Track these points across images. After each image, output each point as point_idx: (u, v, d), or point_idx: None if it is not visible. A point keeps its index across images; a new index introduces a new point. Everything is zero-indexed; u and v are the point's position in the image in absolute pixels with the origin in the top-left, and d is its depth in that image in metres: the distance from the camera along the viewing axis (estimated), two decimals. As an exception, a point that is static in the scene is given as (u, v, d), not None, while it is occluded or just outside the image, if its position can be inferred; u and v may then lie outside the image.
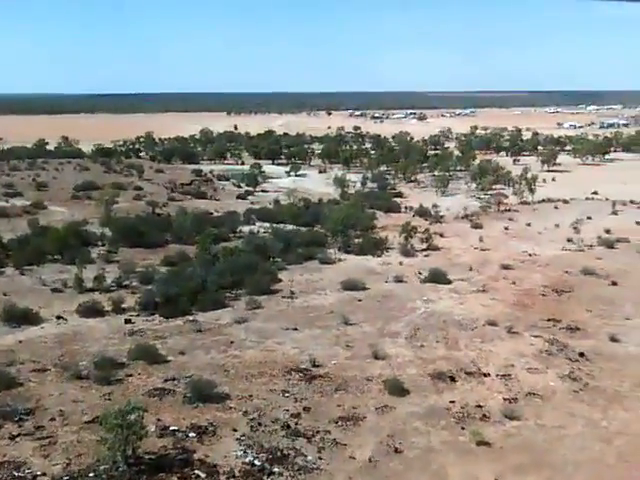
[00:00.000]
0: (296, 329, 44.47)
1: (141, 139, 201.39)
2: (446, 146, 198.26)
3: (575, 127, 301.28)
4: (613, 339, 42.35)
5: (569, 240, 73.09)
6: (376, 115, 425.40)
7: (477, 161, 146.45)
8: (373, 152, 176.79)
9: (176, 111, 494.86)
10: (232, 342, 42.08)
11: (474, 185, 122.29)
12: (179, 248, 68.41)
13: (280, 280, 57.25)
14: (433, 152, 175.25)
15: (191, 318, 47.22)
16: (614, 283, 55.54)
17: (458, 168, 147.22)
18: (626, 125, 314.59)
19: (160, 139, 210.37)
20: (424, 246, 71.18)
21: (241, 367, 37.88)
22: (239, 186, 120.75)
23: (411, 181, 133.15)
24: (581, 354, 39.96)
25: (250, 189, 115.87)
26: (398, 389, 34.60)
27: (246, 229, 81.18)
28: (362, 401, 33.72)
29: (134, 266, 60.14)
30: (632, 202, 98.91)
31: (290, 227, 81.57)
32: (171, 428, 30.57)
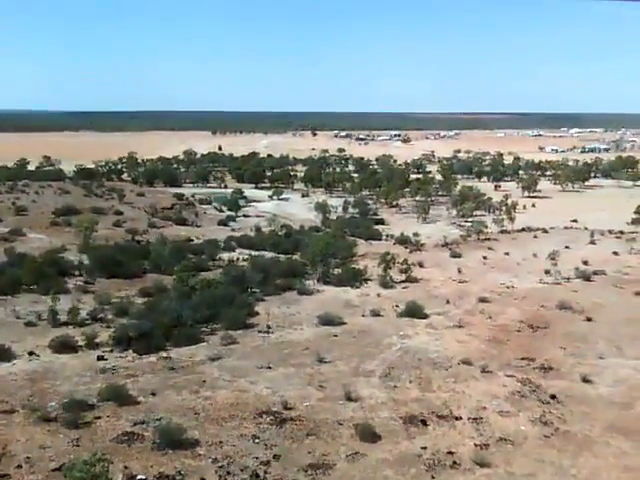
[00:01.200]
0: (270, 367, 44.18)
1: (123, 160, 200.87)
2: (428, 170, 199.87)
3: (557, 151, 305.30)
4: (585, 380, 42.47)
5: (547, 272, 73.54)
6: (361, 137, 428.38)
7: (458, 187, 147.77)
8: (356, 175, 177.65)
9: (162, 129, 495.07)
10: (204, 381, 41.69)
11: (455, 212, 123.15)
12: (157, 278, 68.16)
13: (257, 313, 57.04)
14: (415, 176, 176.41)
15: (165, 355, 46.82)
16: (589, 319, 55.85)
17: (440, 193, 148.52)
18: (607, 150, 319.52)
19: (143, 160, 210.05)
20: (403, 277, 71.30)
21: (212, 410, 37.51)
22: (221, 210, 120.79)
23: (393, 206, 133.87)
24: (553, 396, 40.01)
25: (232, 214, 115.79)
26: (369, 434, 34.39)
27: (226, 256, 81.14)
28: (333, 447, 33.49)
29: (110, 297, 59.77)
30: (610, 232, 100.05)
31: (270, 255, 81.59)
32: (138, 477, 30.15)
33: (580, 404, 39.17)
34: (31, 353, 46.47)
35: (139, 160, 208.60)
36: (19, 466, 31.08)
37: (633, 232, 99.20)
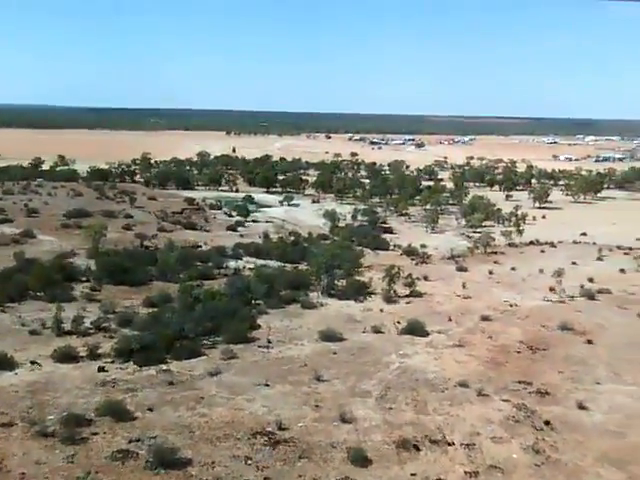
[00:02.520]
0: (267, 384, 44.58)
1: (137, 161, 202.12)
2: (440, 177, 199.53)
3: (571, 160, 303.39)
4: (581, 406, 42.47)
5: (551, 289, 73.42)
6: (374, 140, 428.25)
7: (469, 196, 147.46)
8: (367, 181, 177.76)
9: (177, 129, 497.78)
10: (202, 398, 42.16)
11: (464, 222, 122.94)
12: (163, 286, 68.83)
13: (259, 326, 57.49)
14: (427, 183, 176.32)
15: (165, 367, 47.35)
16: (589, 341, 55.70)
17: (451, 202, 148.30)
18: (622, 159, 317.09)
19: (156, 161, 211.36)
20: (407, 291, 71.42)
21: (207, 428, 37.96)
22: (231, 215, 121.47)
23: (402, 215, 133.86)
24: (547, 422, 40.08)
25: (241, 219, 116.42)
26: (361, 458, 34.65)
27: (233, 264, 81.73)
28: (324, 471, 33.81)
29: (115, 306, 60.45)
30: (619, 247, 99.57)
31: (277, 264, 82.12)
32: (129, 497, 30.69)
33: (574, 432, 39.23)
34: (33, 362, 47.19)
35: (152, 161, 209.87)
36: (14, 483, 31.70)
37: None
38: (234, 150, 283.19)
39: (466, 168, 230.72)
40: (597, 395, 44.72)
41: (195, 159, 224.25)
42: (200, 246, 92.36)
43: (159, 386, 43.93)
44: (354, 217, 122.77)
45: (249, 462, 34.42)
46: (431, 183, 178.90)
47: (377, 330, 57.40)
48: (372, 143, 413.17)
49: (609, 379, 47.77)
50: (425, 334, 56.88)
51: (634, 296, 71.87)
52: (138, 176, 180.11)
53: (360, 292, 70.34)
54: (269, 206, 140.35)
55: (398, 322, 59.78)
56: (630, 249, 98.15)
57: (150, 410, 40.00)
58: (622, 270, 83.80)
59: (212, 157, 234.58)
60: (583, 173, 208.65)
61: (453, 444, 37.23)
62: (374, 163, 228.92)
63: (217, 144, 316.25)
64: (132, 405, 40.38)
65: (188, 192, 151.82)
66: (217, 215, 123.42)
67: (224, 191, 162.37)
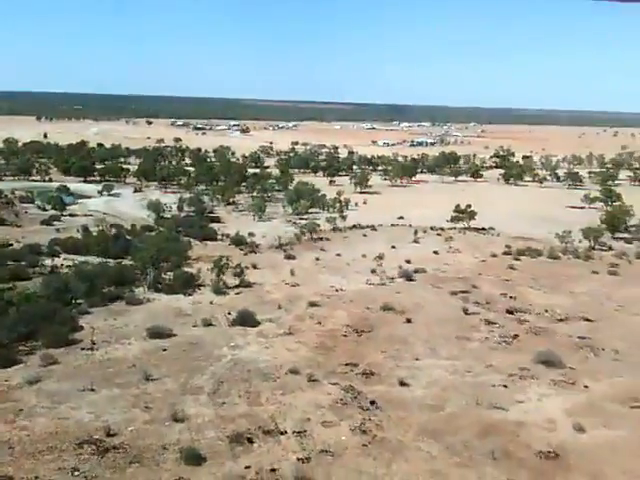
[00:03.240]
0: (93, 389, 42.55)
1: None
2: (266, 164, 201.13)
3: (388, 145, 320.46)
4: (402, 383, 45.32)
5: (373, 271, 77.32)
6: (199, 126, 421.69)
7: (295, 182, 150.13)
8: (193, 169, 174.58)
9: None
10: (21, 409, 39.31)
11: (291, 209, 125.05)
12: (-32, 290, 62.80)
13: (82, 328, 54.61)
14: (253, 170, 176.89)
15: (-24, 381, 43.50)
16: (409, 320, 59.50)
17: (277, 189, 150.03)
18: (433, 144, 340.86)
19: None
20: (236, 281, 71.45)
21: (29, 441, 35.48)
22: (44, 209, 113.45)
23: (229, 203, 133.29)
24: (372, 402, 42.30)
25: (56, 213, 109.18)
26: (195, 457, 34.29)
27: (49, 262, 76.62)
28: (156, 475, 33.03)
29: None
30: (432, 229, 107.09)
31: (98, 260, 78.18)
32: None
33: (397, 409, 41.73)
34: None
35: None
36: None
37: (451, 229, 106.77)
38: (45, 136, 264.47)
39: (291, 155, 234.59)
40: (417, 371, 47.95)
41: (1, 146, 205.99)
42: (11, 244, 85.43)
43: (-31, 402, 40.25)
44: (180, 207, 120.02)
45: (76, 473, 32.75)
46: (257, 170, 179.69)
47: (208, 323, 56.95)
48: (196, 129, 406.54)
49: (426, 355, 51.41)
50: (256, 324, 57.41)
51: (445, 274, 77.92)
52: None
53: (189, 285, 69.26)
54: (87, 197, 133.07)
55: (229, 313, 59.80)
56: (442, 230, 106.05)
57: (-40, 429, 36.55)
58: (435, 251, 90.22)
59: (20, 144, 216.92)
60: (399, 159, 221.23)
61: (286, 433, 38.05)
62: (199, 149, 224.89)
63: (26, 131, 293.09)
64: (-63, 426, 36.63)
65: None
66: (29, 209, 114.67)
67: (36, 181, 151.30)
